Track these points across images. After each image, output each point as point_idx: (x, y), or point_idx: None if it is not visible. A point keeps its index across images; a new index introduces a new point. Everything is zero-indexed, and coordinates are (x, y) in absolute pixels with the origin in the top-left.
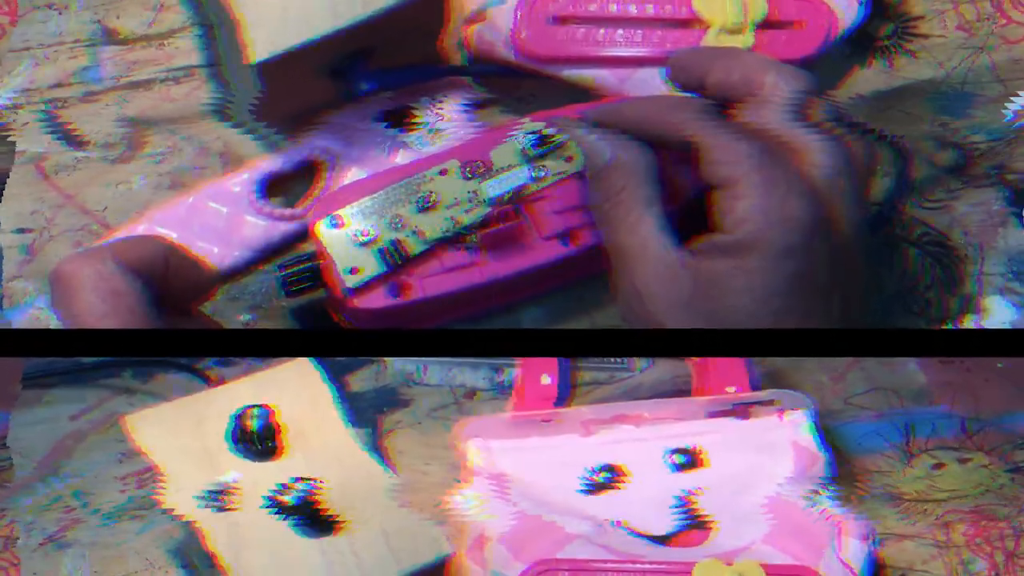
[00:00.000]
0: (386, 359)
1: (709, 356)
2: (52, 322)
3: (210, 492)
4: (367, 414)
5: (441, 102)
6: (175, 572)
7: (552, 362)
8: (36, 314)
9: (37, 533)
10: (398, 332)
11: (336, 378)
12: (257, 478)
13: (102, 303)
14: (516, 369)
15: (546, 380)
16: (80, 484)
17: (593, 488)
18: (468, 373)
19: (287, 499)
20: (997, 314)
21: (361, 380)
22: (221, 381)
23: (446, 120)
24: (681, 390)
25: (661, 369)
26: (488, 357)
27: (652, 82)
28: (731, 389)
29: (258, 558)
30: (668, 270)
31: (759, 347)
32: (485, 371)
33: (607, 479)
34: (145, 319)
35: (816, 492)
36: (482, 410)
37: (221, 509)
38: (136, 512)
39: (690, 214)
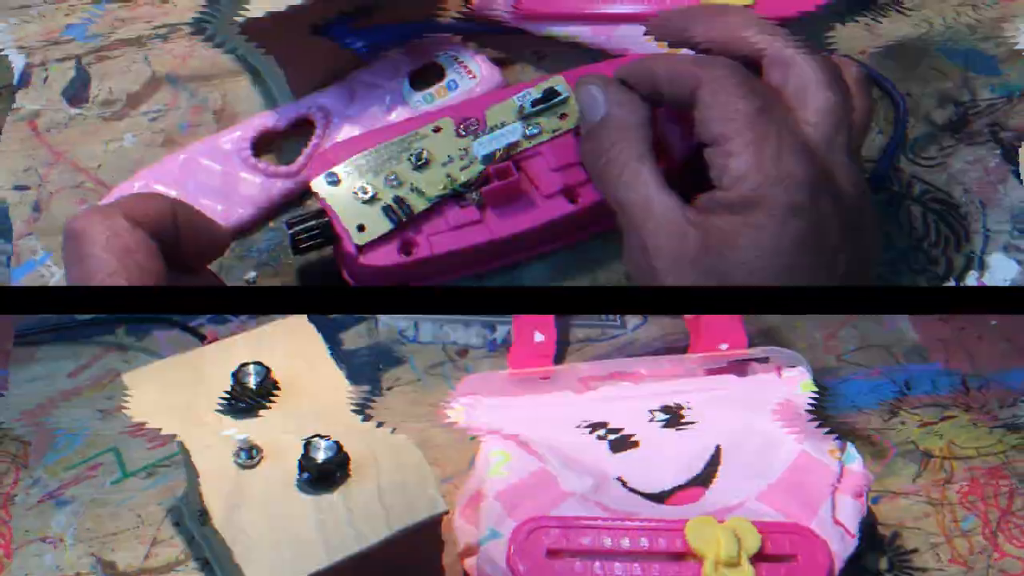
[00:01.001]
0: (379, 317)
1: (704, 313)
2: (53, 280)
3: (235, 450)
4: (363, 371)
5: (467, 59)
6: (165, 529)
7: (545, 319)
8: (41, 271)
9: (38, 489)
10: (394, 290)
11: (329, 336)
12: (255, 435)
13: (114, 260)
14: (509, 327)
15: (539, 337)
16: (95, 441)
17: (611, 446)
18: (460, 331)
19: (312, 456)
20: (999, 271)
21: (354, 338)
22: (215, 338)
23: (472, 78)
24: (674, 347)
25: (654, 326)
26: (485, 315)
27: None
28: (724, 346)
29: (248, 514)
30: (674, 226)
31: (753, 305)
32: (477, 328)
33: (605, 436)
34: (154, 276)
35: (835, 449)
36: (478, 368)
37: (247, 467)
38: (146, 468)
39: (685, 174)
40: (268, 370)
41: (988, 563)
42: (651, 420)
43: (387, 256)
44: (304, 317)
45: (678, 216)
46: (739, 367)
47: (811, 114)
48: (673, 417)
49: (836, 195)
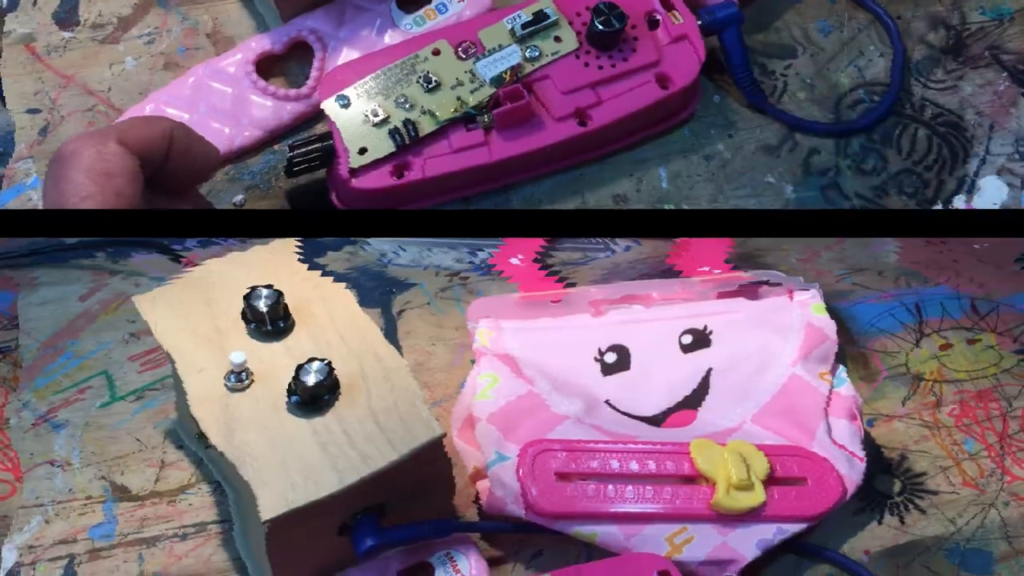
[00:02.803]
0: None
1: (692, 236)
2: (38, 204)
3: (227, 372)
4: (374, 295)
5: None
6: (170, 452)
7: (536, 243)
8: (29, 195)
9: (29, 413)
10: (382, 213)
11: (318, 258)
12: (266, 358)
13: (91, 184)
14: (496, 250)
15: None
16: (87, 364)
17: (603, 369)
18: (448, 254)
19: (303, 379)
20: (989, 194)
21: (339, 261)
22: (192, 263)
23: (461, 1)
24: (661, 271)
25: (638, 249)
26: (474, 238)
27: None
28: (717, 272)
29: (247, 436)
30: None
31: (740, 227)
32: (461, 252)
33: (617, 359)
34: (131, 201)
35: (827, 372)
36: (488, 292)
37: (237, 389)
38: (135, 392)
39: None
40: (279, 294)
41: (1000, 486)
42: (680, 342)
43: (379, 179)
44: (294, 240)
45: None
46: (750, 290)
47: None
48: (703, 339)
49: None
